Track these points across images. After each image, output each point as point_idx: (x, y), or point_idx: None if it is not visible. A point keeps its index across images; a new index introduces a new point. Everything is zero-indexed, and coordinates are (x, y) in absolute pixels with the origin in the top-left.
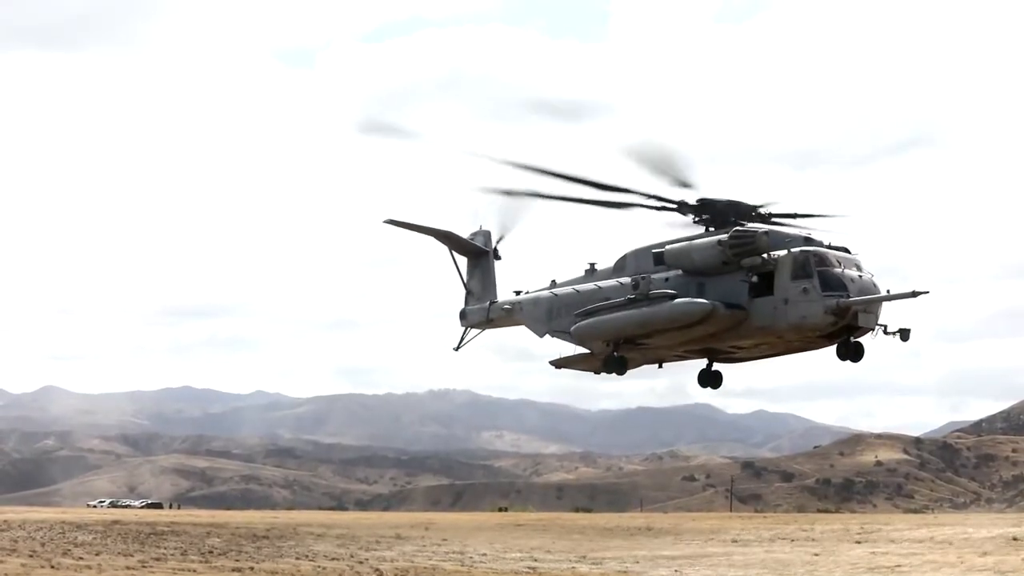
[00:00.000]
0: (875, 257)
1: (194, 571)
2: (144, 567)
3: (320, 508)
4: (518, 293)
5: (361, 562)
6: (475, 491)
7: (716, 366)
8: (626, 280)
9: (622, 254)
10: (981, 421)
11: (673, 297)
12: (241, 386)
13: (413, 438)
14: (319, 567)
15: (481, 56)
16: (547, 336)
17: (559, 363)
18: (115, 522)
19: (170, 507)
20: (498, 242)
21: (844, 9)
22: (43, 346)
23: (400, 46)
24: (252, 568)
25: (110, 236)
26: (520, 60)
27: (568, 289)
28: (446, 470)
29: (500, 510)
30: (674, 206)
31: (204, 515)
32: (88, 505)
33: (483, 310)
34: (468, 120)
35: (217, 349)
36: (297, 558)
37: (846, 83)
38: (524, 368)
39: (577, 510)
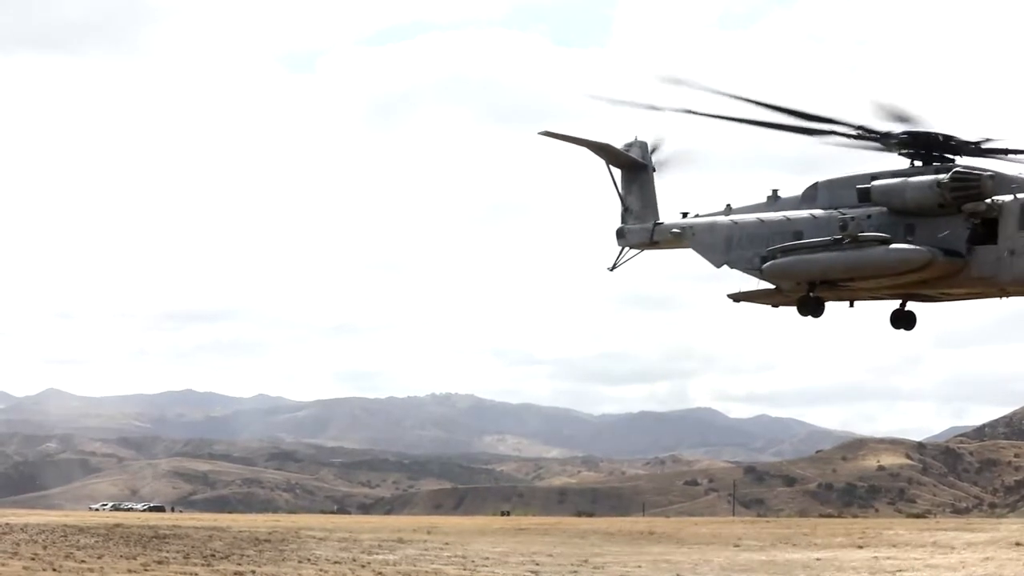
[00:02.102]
0: None
1: (196, 574)
2: (146, 570)
3: (322, 512)
4: (685, 215)
5: (363, 566)
6: (477, 495)
7: (910, 306)
8: (819, 212)
9: (812, 183)
10: (984, 426)
11: (886, 241)
12: (243, 389)
13: (415, 442)
14: (321, 571)
15: (483, 60)
16: (724, 267)
17: (739, 297)
18: (117, 525)
19: (172, 510)
20: (653, 154)
21: (846, 12)
22: (44, 349)
23: (402, 50)
24: (254, 572)
25: (111, 239)
26: (523, 64)
27: (750, 217)
28: (448, 474)
29: (502, 514)
30: (876, 136)
31: (206, 518)
32: (90, 508)
33: (646, 230)
34: (470, 124)
35: (219, 352)
36: (299, 562)
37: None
38: (526, 372)
39: (579, 514)
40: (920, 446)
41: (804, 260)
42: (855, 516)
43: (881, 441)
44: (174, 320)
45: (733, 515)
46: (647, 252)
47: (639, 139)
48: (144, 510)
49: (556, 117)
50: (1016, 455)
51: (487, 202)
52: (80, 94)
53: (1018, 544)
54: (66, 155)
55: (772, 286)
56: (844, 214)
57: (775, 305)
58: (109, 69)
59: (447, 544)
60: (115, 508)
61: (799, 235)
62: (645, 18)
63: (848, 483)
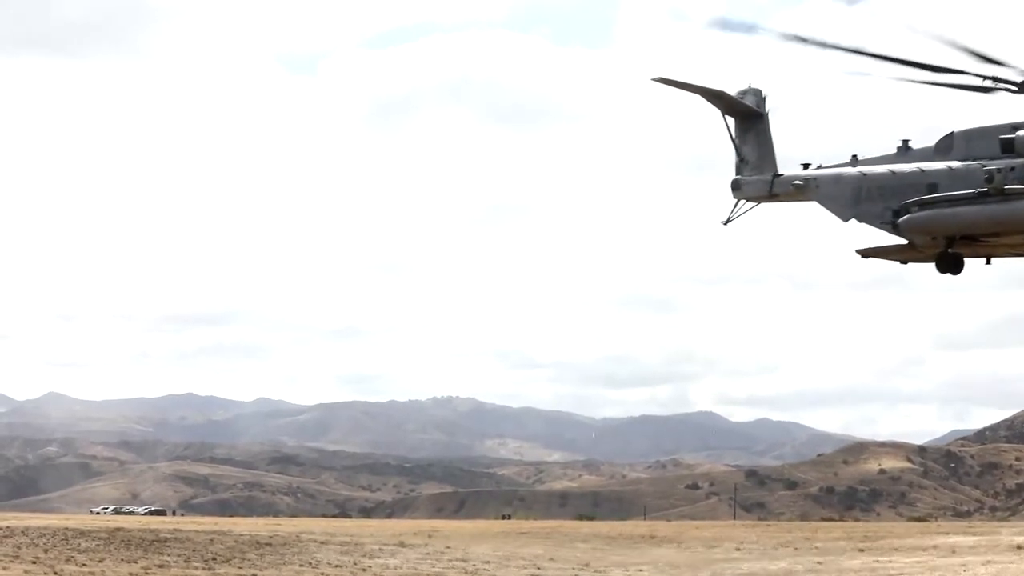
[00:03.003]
0: (878, 264)
1: None
2: (147, 573)
3: (323, 515)
4: (806, 166)
5: (364, 569)
6: (478, 499)
7: None
8: (956, 164)
9: (947, 133)
10: (985, 429)
11: None
12: (244, 393)
13: (416, 445)
14: (322, 574)
15: (485, 62)
16: (852, 221)
17: (869, 252)
18: (118, 529)
19: (173, 514)
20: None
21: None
22: (46, 353)
23: (404, 52)
24: (255, 575)
25: (113, 242)
26: (525, 66)
27: (880, 169)
28: (449, 478)
29: (503, 518)
30: (1015, 88)
31: (207, 522)
32: (91, 512)
33: (764, 182)
34: (472, 126)
35: (220, 356)
36: (300, 566)
37: (848, 90)
38: (528, 376)
39: (580, 518)
40: (921, 449)
41: (946, 214)
42: (856, 520)
43: (882, 444)
44: (175, 323)
45: (734, 519)
46: (764, 205)
47: (752, 87)
48: (145, 514)
49: (560, 117)
50: (1017, 458)
51: (488, 204)
52: (81, 96)
53: (1019, 548)
54: (67, 157)
55: (905, 241)
56: (986, 166)
57: (904, 262)
58: (110, 71)
59: (448, 548)
60: (116, 512)
61: (934, 188)
62: (647, 19)
63: (849, 486)
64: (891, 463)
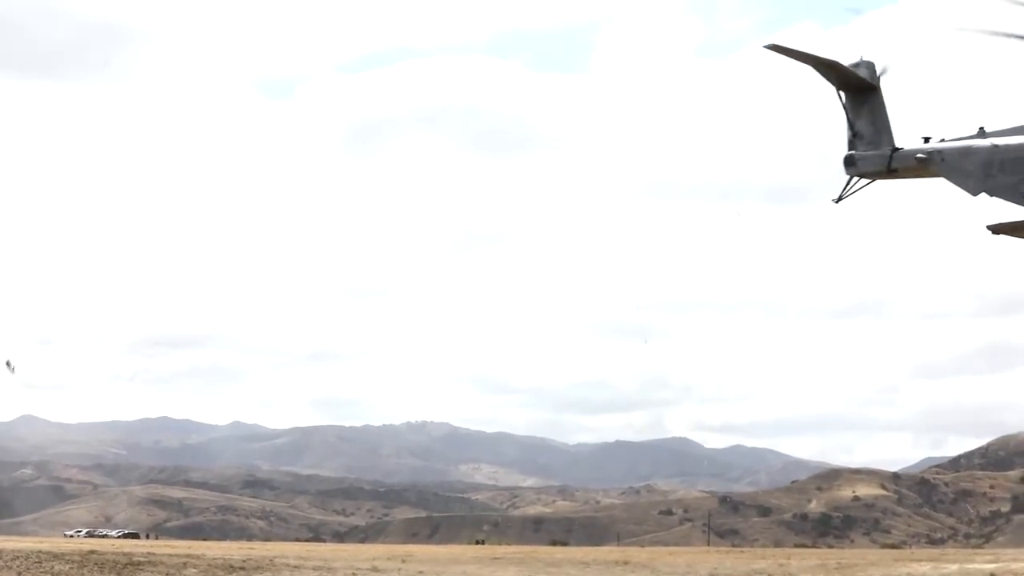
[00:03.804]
0: (853, 292)
1: None
2: None
3: (297, 539)
4: (927, 140)
5: None
6: (452, 523)
7: None
8: None
9: None
10: (959, 457)
11: None
12: (219, 417)
13: (391, 470)
14: None
15: (464, 87)
16: (981, 195)
17: (1001, 228)
18: (92, 552)
19: (147, 537)
20: (881, 75)
21: (830, 42)
22: (21, 375)
23: (382, 76)
24: None
25: (89, 265)
26: (503, 91)
27: (1014, 140)
28: (423, 502)
29: (477, 543)
30: None
31: (181, 545)
32: (65, 535)
33: (881, 157)
34: (450, 151)
35: (195, 380)
36: None
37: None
38: (502, 401)
39: (554, 543)
40: (895, 477)
41: None
42: (830, 546)
43: (857, 472)
44: (151, 347)
45: (708, 545)
46: (880, 182)
47: (865, 59)
48: (119, 537)
49: (537, 143)
50: (991, 486)
51: (465, 229)
52: (57, 119)
53: (993, 575)
54: (44, 180)
55: None
56: None
57: None
58: (85, 94)
59: (421, 572)
60: (90, 535)
61: None
62: (625, 46)
63: (823, 513)
64: (865, 490)
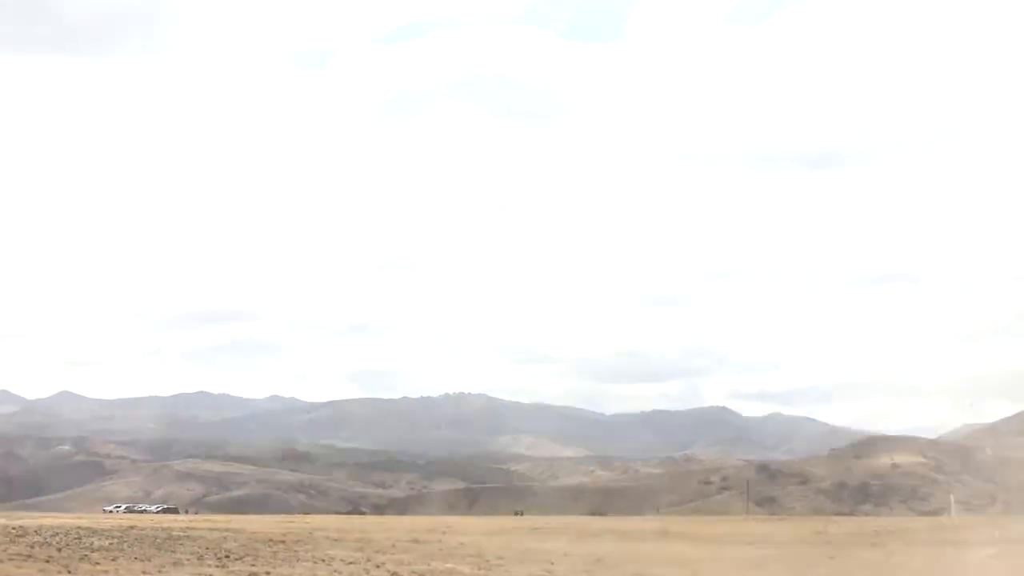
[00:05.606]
0: (890, 258)
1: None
2: (160, 572)
3: (336, 512)
4: None
5: (378, 566)
6: (491, 495)
7: None
8: None
9: None
10: (998, 423)
11: None
12: (256, 391)
13: (429, 442)
14: (335, 571)
15: (498, 57)
16: None
17: None
18: (131, 527)
19: (186, 512)
20: None
21: (860, 9)
22: (58, 351)
23: (416, 47)
24: (268, 573)
25: (125, 240)
26: (537, 61)
27: None
28: (462, 474)
29: (516, 513)
30: None
31: (220, 520)
32: (104, 510)
33: None
34: (485, 121)
35: (232, 354)
36: (313, 563)
37: (864, 83)
38: (539, 371)
39: (593, 513)
40: (934, 443)
41: None
42: (868, 514)
43: (895, 439)
44: (188, 322)
45: (747, 514)
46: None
47: None
48: (158, 512)
49: (570, 112)
50: None
51: (500, 199)
52: (93, 94)
53: None
54: (77, 154)
55: None
56: None
57: None
58: (121, 69)
59: (461, 544)
60: (129, 510)
61: None
62: (659, 13)
63: (862, 481)
64: (903, 457)
